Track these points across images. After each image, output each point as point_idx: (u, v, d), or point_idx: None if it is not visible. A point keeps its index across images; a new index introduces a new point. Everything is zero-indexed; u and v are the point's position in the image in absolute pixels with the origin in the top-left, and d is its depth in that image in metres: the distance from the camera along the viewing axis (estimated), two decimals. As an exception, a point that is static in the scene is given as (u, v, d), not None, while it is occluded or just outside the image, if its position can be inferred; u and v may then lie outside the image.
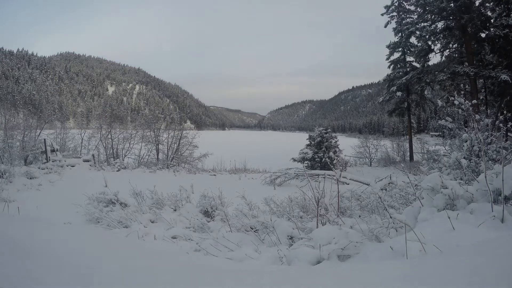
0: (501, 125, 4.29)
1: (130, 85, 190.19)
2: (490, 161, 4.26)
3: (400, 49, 23.17)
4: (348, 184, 11.04)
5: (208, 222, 4.77)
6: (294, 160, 17.16)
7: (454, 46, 19.06)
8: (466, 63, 17.08)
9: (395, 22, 22.91)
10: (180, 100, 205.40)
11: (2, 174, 9.17)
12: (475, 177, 3.27)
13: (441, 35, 18.57)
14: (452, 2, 16.49)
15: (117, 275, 2.18)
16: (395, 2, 22.73)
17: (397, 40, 23.09)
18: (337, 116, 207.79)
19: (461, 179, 3.84)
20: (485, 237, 2.06)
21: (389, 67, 23.91)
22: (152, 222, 4.85)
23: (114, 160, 16.37)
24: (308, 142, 17.74)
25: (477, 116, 4.27)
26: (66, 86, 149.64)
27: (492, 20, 16.77)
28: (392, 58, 23.61)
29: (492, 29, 16.39)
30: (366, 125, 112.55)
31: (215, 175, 15.36)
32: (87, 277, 2.08)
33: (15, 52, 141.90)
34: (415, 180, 4.54)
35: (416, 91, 22.33)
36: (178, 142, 18.30)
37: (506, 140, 9.35)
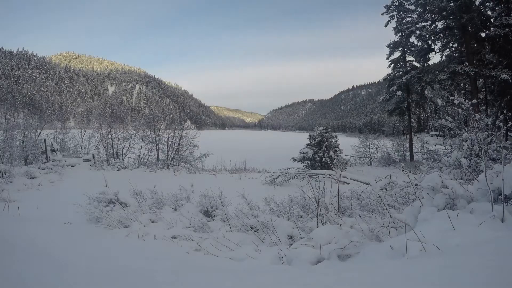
0: (501, 124, 4.27)
1: (130, 85, 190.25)
2: (490, 161, 4.25)
3: (400, 48, 23.13)
4: (348, 183, 11.04)
5: (208, 221, 4.76)
6: (294, 159, 17.14)
7: (454, 45, 19.04)
8: (466, 63, 17.06)
9: (395, 21, 22.86)
10: (180, 100, 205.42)
11: (2, 174, 9.19)
12: (475, 176, 3.26)
13: (441, 35, 18.55)
14: (452, 1, 16.48)
15: (117, 274, 2.18)
16: (395, 2, 22.67)
17: (397, 39, 23.06)
18: (337, 116, 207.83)
19: (461, 179, 3.83)
20: (485, 236, 2.06)
21: (389, 66, 23.89)
22: (152, 222, 4.84)
23: (114, 160, 16.36)
24: (308, 142, 17.71)
25: (477, 116, 4.26)
26: (66, 86, 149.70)
27: (492, 20, 16.75)
28: (392, 57, 23.58)
29: (492, 28, 16.38)
30: (366, 125, 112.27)
31: (215, 175, 15.36)
32: (88, 276, 2.08)
33: (15, 52, 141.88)
34: (415, 180, 4.53)
35: (416, 91, 22.30)
36: (178, 142, 18.27)
37: (506, 140, 9.34)
